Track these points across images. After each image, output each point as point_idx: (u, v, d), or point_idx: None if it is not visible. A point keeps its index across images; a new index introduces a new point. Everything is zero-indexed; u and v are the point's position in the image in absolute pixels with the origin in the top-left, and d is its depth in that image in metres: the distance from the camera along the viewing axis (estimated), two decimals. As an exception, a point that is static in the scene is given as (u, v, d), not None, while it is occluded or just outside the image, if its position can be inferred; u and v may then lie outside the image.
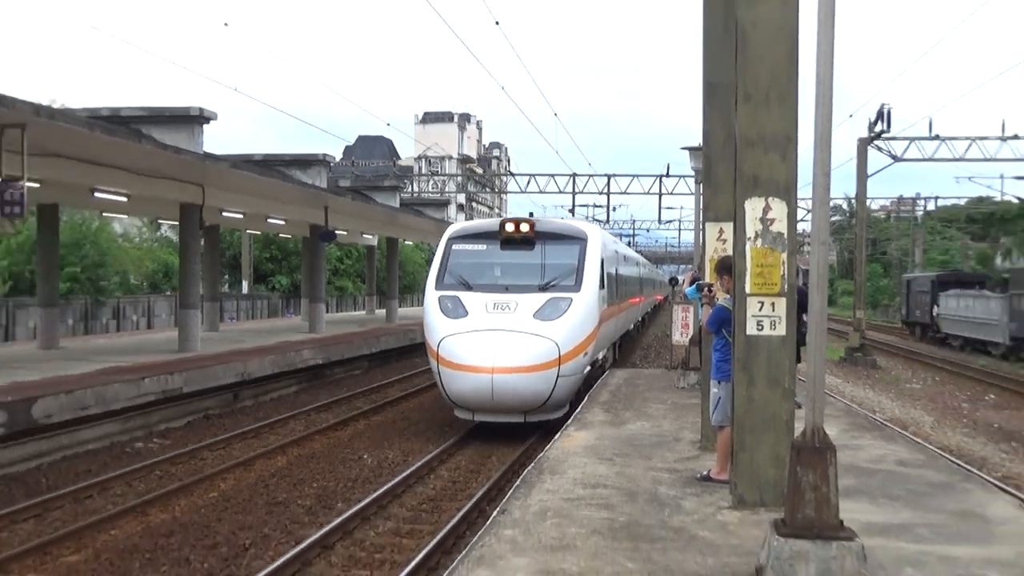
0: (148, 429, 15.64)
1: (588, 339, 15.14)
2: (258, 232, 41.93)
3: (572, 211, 48.91)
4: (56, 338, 21.64)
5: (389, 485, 11.53)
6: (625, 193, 49.19)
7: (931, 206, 64.11)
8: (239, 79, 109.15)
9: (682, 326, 17.69)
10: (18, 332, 28.38)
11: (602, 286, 16.64)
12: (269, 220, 28.72)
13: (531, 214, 18.65)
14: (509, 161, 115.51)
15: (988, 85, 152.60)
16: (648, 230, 77.59)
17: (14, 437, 12.60)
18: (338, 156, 79.23)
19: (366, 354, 26.10)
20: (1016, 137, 37.80)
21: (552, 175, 48.97)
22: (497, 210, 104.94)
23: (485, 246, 16.31)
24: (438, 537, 9.24)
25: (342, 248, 49.96)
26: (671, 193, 48.55)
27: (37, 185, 15.58)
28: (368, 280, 43.28)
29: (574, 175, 48.33)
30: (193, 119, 18.40)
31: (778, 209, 7.29)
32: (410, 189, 56.16)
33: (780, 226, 7.30)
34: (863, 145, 33.75)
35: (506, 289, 15.01)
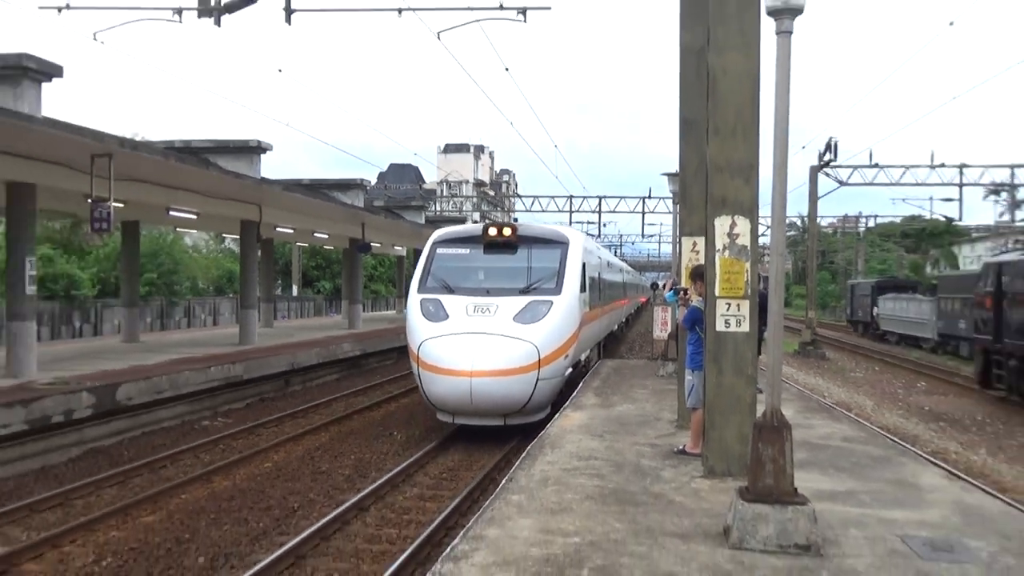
0: (213, 410, 15.66)
1: (569, 342, 13.06)
2: (305, 244, 41.96)
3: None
4: (136, 333, 21.68)
5: (415, 457, 11.53)
6: (614, 212, 49.50)
7: (871, 223, 64.69)
8: (290, 115, 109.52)
9: (662, 324, 17.61)
10: (105, 328, 28.50)
11: (584, 289, 14.43)
12: (315, 234, 28.77)
13: (515, 219, 18.00)
14: (516, 185, 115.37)
15: (920, 122, 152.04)
16: (633, 243, 77.47)
17: (102, 416, 12.64)
18: (373, 180, 79.05)
19: (396, 347, 26.05)
20: (943, 165, 38.12)
21: (552, 197, 49.28)
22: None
23: (468, 250, 14.22)
24: (455, 501, 9.23)
25: (376, 258, 49.98)
26: (653, 212, 48.94)
27: (122, 205, 15.62)
28: (398, 284, 43.29)
29: (571, 197, 48.58)
30: (252, 149, 18.49)
31: (742, 226, 7.26)
32: (433, 209, 56.07)
33: (744, 240, 7.28)
34: (814, 172, 33.73)
35: (487, 292, 13.05)
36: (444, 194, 78.25)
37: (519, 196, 56.34)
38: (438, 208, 60.92)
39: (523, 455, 8.68)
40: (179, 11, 13.21)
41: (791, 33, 5.52)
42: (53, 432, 11.64)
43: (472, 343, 11.98)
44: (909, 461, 8.68)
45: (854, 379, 24.46)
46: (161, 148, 16.51)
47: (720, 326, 7.31)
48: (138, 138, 22.20)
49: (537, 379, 12.04)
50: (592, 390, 13.84)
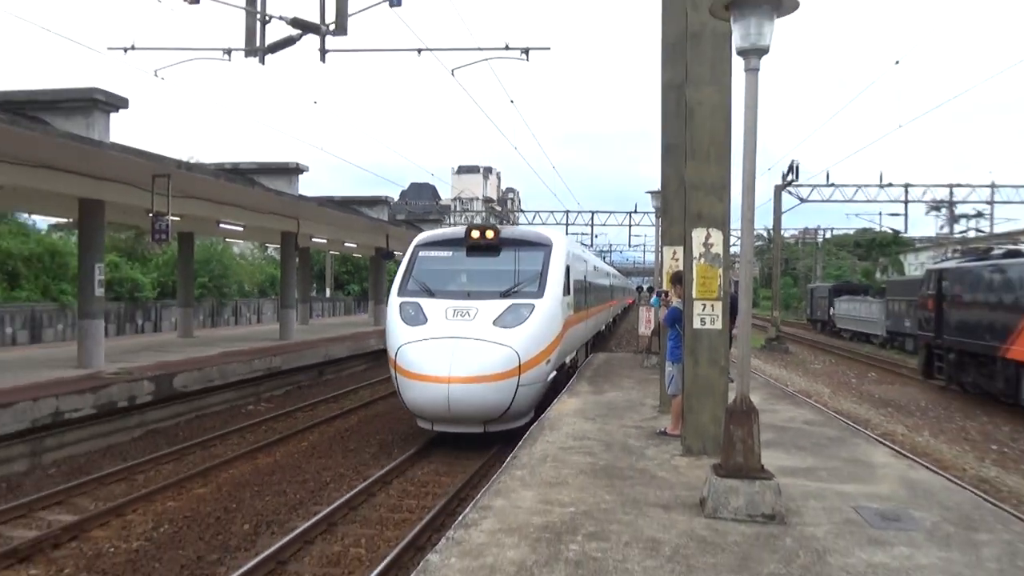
0: (257, 396, 15.67)
1: (551, 346, 11.13)
2: (337, 252, 42.03)
3: (565, 238, 49.02)
4: (191, 330, 21.74)
5: (432, 437, 11.50)
6: (604, 224, 49.96)
7: (828, 235, 64.73)
8: (324, 140, 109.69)
9: (646, 322, 17.57)
10: (164, 325, 28.53)
11: (568, 292, 12.47)
12: (345, 244, 28.80)
13: (501, 220, 17.51)
14: (520, 201, 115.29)
15: (870, 146, 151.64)
16: (621, 251, 77.68)
17: (161, 402, 12.66)
18: (396, 197, 79.14)
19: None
20: (891, 185, 38.27)
21: (551, 211, 50.13)
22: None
23: (451, 252, 12.39)
24: (467, 476, 9.22)
25: (399, 264, 49.95)
26: (638, 224, 49.41)
27: (178, 218, 15.68)
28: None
29: (567, 211, 49.29)
30: (291, 170, 18.56)
31: (716, 237, 7.25)
32: (448, 222, 56.16)
33: (718, 249, 7.27)
34: (778, 190, 33.68)
35: (468, 295, 11.23)
36: (457, 209, 78.09)
37: (522, 211, 56.68)
38: (452, 222, 60.80)
39: (525, 436, 8.66)
40: (229, 51, 13.24)
41: (758, 70, 5.51)
42: (118, 415, 11.67)
43: (450, 348, 10.16)
44: (862, 442, 8.65)
45: (813, 370, 24.37)
46: (212, 169, 16.57)
47: (696, 324, 7.30)
48: (193, 161, 22.28)
49: (517, 385, 10.23)
50: (585, 379, 13.81)
